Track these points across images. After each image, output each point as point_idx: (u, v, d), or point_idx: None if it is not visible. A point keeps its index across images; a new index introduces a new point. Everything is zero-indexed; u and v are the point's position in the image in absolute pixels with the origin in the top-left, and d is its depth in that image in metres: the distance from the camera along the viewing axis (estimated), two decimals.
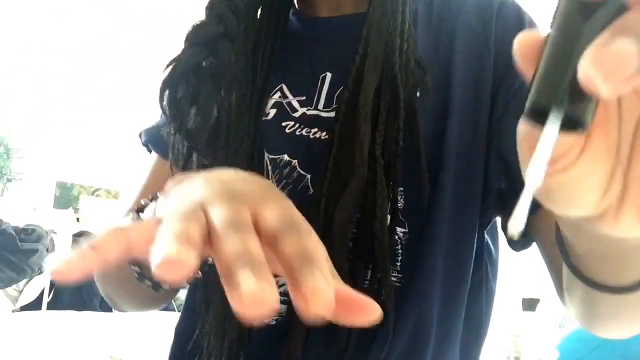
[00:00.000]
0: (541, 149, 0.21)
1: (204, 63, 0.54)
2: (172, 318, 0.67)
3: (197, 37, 0.54)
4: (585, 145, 0.24)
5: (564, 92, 0.20)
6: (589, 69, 0.19)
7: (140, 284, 0.45)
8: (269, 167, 0.57)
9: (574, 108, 0.21)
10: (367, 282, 0.51)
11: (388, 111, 0.52)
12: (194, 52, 0.53)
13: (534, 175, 0.21)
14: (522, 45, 0.24)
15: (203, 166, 0.55)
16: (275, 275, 0.25)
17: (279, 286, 0.54)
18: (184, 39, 0.54)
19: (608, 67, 0.19)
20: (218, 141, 0.55)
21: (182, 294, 0.66)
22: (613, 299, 0.40)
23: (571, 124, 0.21)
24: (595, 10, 0.21)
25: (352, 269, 0.50)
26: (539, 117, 0.21)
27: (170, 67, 0.55)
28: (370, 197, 0.50)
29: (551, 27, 0.22)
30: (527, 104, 0.22)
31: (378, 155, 0.50)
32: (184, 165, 0.56)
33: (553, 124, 0.21)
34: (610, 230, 0.25)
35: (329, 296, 0.24)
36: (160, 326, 2.60)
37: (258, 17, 0.60)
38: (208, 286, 0.55)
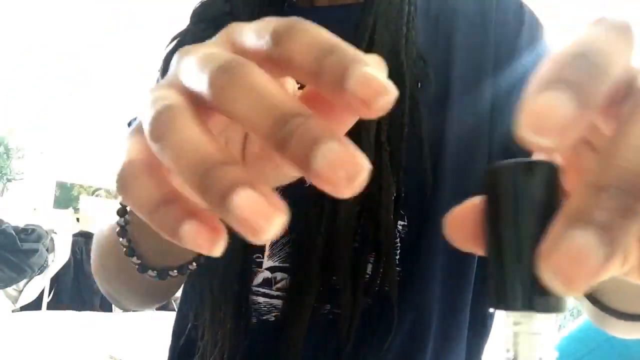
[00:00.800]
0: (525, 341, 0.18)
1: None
2: (172, 318, 0.66)
3: (203, 14, 0.54)
4: None
5: (529, 296, 0.17)
6: (553, 280, 0.16)
7: (142, 275, 0.43)
8: None
9: (543, 305, 0.17)
10: (368, 273, 0.51)
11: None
12: (199, 28, 0.53)
13: None
14: (452, 222, 0.20)
15: None
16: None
17: (276, 282, 0.54)
18: (190, 15, 0.54)
19: (572, 273, 0.16)
20: None
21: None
22: (628, 323, 0.40)
23: (546, 310, 0.18)
24: (531, 183, 0.18)
25: (355, 258, 0.50)
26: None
27: (175, 41, 0.54)
28: (375, 183, 0.50)
29: (486, 203, 0.19)
30: (492, 304, 0.18)
31: (384, 140, 0.51)
32: None
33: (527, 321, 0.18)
34: (637, 282, 0.23)
35: (384, 80, 0.19)
36: (160, 326, 2.60)
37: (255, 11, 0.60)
38: (201, 277, 0.55)
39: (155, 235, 0.40)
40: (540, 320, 0.16)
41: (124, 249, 0.42)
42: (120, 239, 0.42)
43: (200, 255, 0.44)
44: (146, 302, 0.59)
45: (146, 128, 0.21)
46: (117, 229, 0.42)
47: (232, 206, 0.18)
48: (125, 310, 0.61)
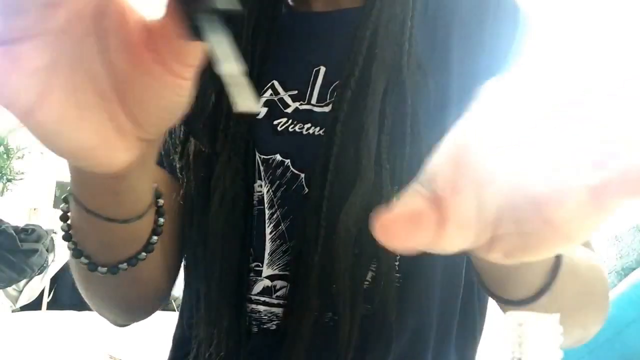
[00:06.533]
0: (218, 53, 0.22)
1: None
2: (172, 318, 0.66)
3: None
4: None
5: None
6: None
7: (103, 280, 0.45)
8: (261, 168, 0.56)
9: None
10: (367, 282, 0.51)
11: (394, 115, 0.51)
12: None
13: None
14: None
15: (199, 153, 0.55)
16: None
17: (276, 290, 0.54)
18: None
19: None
20: (218, 126, 0.55)
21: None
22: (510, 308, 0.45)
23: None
24: None
25: (354, 267, 0.50)
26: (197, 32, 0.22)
27: None
28: (375, 202, 0.49)
29: None
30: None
31: (384, 159, 0.50)
32: (182, 149, 0.56)
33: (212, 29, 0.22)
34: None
35: None
36: (160, 326, 2.59)
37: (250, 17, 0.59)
38: (199, 282, 0.55)
39: (96, 232, 0.42)
40: (545, 321, 0.16)
41: (71, 252, 0.44)
42: (67, 244, 0.44)
43: (149, 243, 0.45)
44: (125, 313, 0.58)
45: None
46: (62, 234, 0.44)
47: None
48: (115, 324, 0.60)
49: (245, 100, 0.22)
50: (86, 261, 0.44)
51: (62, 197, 0.43)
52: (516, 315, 0.17)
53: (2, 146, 4.70)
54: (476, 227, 0.23)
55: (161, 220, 0.45)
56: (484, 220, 0.23)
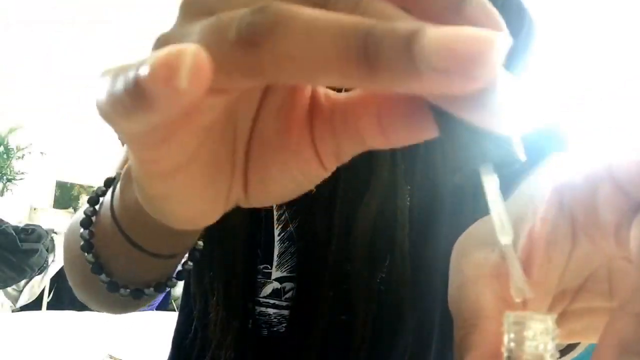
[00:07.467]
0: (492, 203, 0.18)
1: None
2: (172, 318, 0.66)
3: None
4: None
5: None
6: None
7: (112, 295, 0.38)
8: None
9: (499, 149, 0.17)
10: (379, 281, 0.51)
11: None
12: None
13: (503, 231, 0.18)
14: None
15: None
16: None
17: (285, 292, 0.54)
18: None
19: None
20: None
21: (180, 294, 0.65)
22: None
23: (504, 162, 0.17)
24: None
25: (369, 270, 0.50)
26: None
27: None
28: (391, 202, 0.49)
29: None
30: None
31: (399, 157, 0.50)
32: None
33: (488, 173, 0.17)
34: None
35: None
36: (160, 326, 2.60)
37: None
38: (207, 284, 0.55)
39: (128, 254, 0.37)
40: (543, 321, 0.16)
41: (90, 265, 0.37)
42: (85, 255, 0.37)
43: (182, 269, 0.41)
44: (117, 312, 0.55)
45: (238, 31, 0.16)
46: (81, 243, 0.37)
47: (428, 44, 0.13)
48: (98, 311, 0.57)
49: (517, 285, 0.18)
50: (107, 279, 0.37)
51: (89, 198, 0.37)
52: (513, 315, 0.17)
53: (2, 146, 4.71)
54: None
55: (200, 243, 0.40)
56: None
